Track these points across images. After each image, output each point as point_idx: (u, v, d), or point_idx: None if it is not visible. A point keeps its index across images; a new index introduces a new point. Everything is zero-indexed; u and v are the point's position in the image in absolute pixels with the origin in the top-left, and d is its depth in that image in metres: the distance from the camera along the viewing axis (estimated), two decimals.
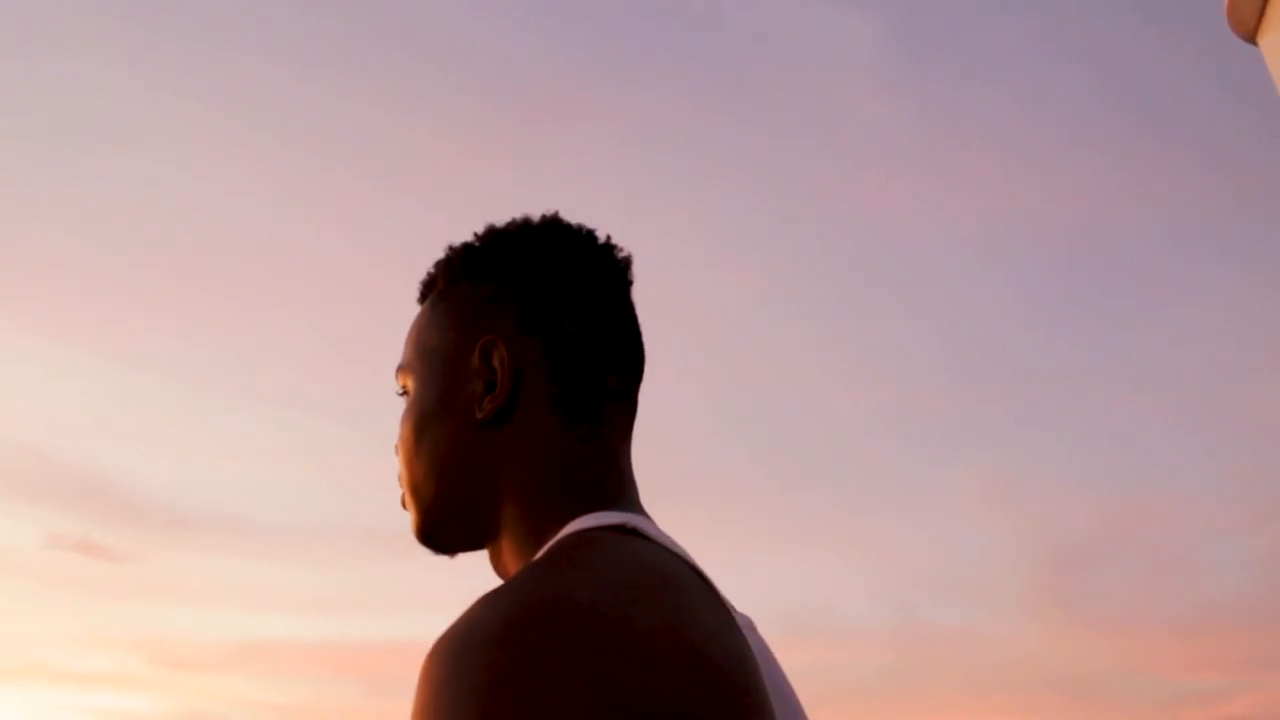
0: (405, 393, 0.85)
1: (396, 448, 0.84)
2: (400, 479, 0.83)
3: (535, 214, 0.84)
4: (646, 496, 0.79)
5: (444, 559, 0.82)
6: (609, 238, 0.84)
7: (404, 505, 0.83)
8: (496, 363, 0.77)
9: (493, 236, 0.83)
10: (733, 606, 0.69)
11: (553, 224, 0.83)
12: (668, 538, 0.69)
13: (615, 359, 0.80)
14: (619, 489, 0.76)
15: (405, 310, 0.88)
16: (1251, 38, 5.46)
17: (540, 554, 0.66)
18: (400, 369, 0.85)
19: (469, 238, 0.85)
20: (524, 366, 0.78)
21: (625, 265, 0.84)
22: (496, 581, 0.79)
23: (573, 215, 0.85)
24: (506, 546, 0.77)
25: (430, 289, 0.85)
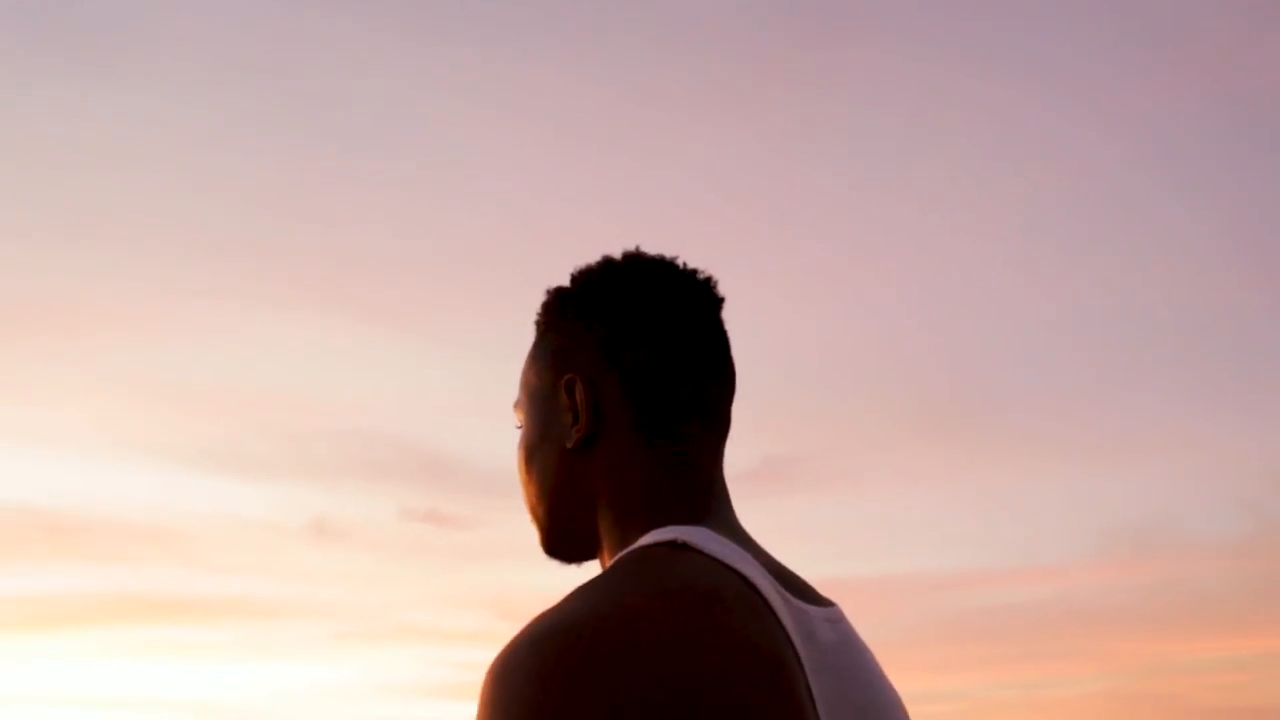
0: (521, 426, 0.95)
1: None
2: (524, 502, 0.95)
3: (618, 252, 0.92)
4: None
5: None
6: (684, 264, 0.91)
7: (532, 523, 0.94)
8: (578, 398, 0.86)
9: (577, 278, 0.92)
10: (809, 604, 0.77)
11: (629, 260, 0.91)
12: (729, 547, 0.75)
13: (695, 379, 0.87)
14: (696, 502, 0.84)
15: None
16: None
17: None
18: (515, 405, 0.96)
19: (564, 281, 0.93)
20: (603, 397, 0.86)
21: (706, 287, 0.90)
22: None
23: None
24: (606, 558, 0.87)
25: (538, 330, 0.95)
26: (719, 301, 0.91)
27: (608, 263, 0.91)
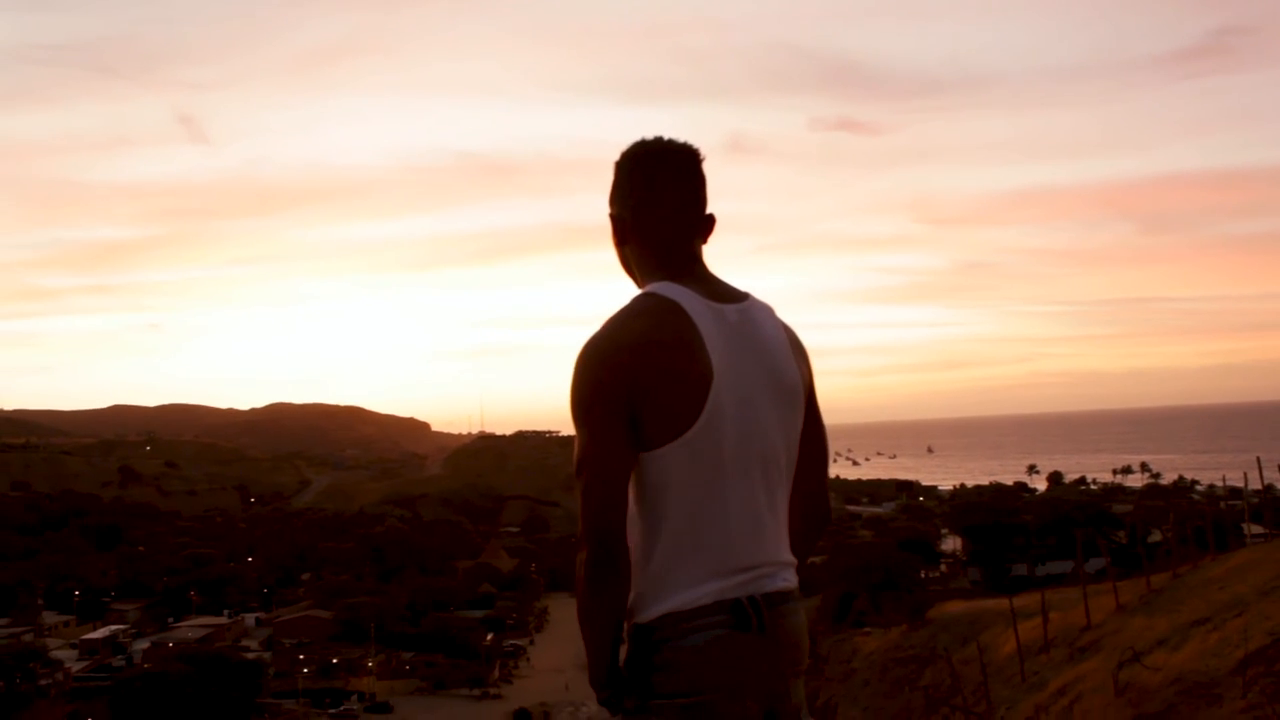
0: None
1: None
2: None
3: (643, 136, 1.94)
4: None
5: None
6: (671, 139, 1.92)
7: None
8: (617, 222, 1.95)
9: (623, 154, 1.93)
10: (726, 304, 1.82)
11: (645, 142, 1.92)
12: (678, 291, 1.81)
13: (677, 203, 1.89)
14: (675, 268, 1.87)
15: None
16: None
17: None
18: (609, 216, 1.97)
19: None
20: (631, 220, 1.92)
21: (686, 149, 1.90)
22: None
23: None
24: None
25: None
26: (694, 154, 1.91)
27: (634, 145, 1.93)
